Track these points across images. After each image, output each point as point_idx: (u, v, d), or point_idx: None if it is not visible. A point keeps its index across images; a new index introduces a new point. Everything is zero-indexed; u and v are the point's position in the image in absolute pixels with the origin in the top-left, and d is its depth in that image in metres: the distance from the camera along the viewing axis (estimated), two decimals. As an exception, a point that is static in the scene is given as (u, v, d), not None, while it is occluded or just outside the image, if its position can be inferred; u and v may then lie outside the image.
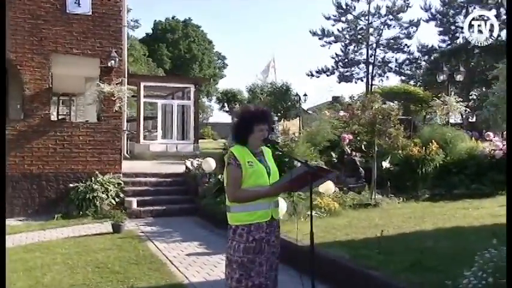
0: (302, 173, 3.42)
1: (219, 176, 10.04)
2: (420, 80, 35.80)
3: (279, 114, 29.02)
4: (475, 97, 31.83)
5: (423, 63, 38.08)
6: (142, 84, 19.08)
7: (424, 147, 10.32)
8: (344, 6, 37.69)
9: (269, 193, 3.48)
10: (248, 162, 3.47)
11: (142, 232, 8.94)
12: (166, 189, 11.82)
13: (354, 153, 10.59)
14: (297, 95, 29.58)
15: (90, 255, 7.03)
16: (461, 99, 12.50)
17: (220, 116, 67.25)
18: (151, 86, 20.77)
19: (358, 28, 37.56)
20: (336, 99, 38.55)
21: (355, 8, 37.85)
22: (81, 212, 10.33)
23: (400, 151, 10.27)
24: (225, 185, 3.66)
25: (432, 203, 9.25)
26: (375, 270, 4.72)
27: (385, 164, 10.00)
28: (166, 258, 6.97)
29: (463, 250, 5.28)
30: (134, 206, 10.74)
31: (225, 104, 42.94)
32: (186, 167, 12.36)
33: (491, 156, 9.95)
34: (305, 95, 32.15)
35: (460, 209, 8.37)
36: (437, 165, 10.09)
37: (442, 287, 4.00)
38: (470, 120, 26.15)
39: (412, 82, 35.10)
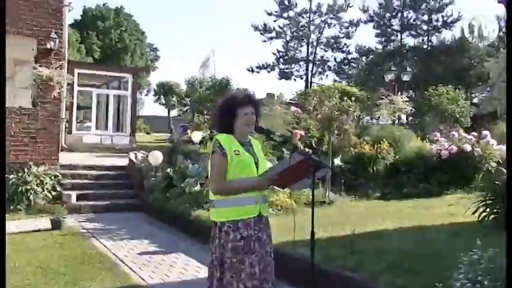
0: (299, 163, 3.10)
1: (169, 170, 9.56)
2: (357, 79, 36.69)
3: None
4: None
5: (361, 63, 39.06)
6: (76, 72, 18.06)
7: (374, 146, 10.38)
8: (286, 3, 37.86)
9: (256, 185, 3.17)
10: (234, 151, 3.16)
11: (85, 229, 8.30)
12: (108, 183, 11.15)
13: (306, 149, 10.46)
14: (237, 89, 29.40)
15: (29, 254, 6.35)
16: (407, 99, 12.85)
17: (153, 109, 65.78)
18: (85, 74, 19.67)
19: (299, 25, 37.84)
20: (271, 96, 38.87)
21: (296, 5, 38.18)
22: (12, 207, 9.43)
23: (351, 149, 10.27)
24: (208, 176, 3.34)
25: (384, 202, 9.31)
26: (353, 272, 4.53)
27: (337, 162, 9.95)
28: (117, 257, 6.45)
29: (434, 250, 5.24)
30: (73, 200, 9.99)
31: (162, 97, 41.93)
32: (130, 160, 11.73)
33: (438, 156, 10.17)
34: (245, 89, 32.10)
35: (412, 208, 8.47)
36: (388, 164, 10.19)
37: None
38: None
39: (344, 82, 35.85)
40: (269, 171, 3.20)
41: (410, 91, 30.41)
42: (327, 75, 39.09)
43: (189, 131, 12.14)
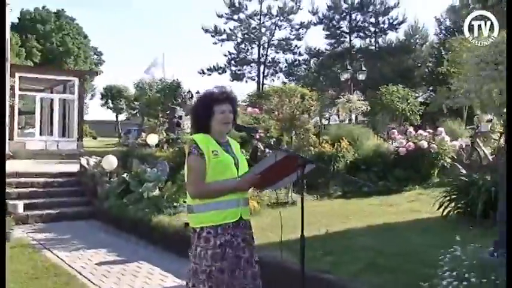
0: (284, 160, 2.89)
1: (125, 175, 9.12)
2: (306, 81, 37.07)
3: (168, 112, 28.17)
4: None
5: (311, 64, 39.50)
6: (17, 75, 17.18)
7: (333, 145, 10.36)
8: (236, 5, 37.70)
9: (238, 187, 2.96)
10: (212, 151, 2.93)
11: (35, 240, 7.76)
12: (58, 191, 10.53)
13: (266, 150, 10.30)
14: (189, 91, 28.98)
15: (-26, 270, 5.80)
16: (363, 98, 12.99)
17: (98, 113, 63.91)
18: (28, 78, 18.69)
19: (250, 27, 37.77)
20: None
21: (247, 7, 38.08)
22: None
23: (311, 148, 10.20)
24: (186, 179, 3.08)
25: (346, 200, 9.27)
26: (330, 273, 4.37)
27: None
28: (73, 269, 6.02)
29: (407, 248, 5.18)
30: (20, 210, 9.33)
31: (109, 101, 40.78)
32: (81, 166, 11.15)
33: (396, 153, 10.28)
34: (197, 92, 31.66)
35: (375, 206, 8.46)
36: (348, 162, 10.18)
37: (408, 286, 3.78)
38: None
39: (293, 83, 36.09)
40: (251, 171, 3.01)
41: (359, 92, 31.06)
42: (278, 77, 39.28)
43: (144, 134, 11.71)
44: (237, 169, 3.03)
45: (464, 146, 11.36)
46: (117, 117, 42.98)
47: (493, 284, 3.27)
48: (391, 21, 37.71)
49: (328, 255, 4.98)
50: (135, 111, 36.69)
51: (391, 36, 38.63)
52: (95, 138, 41.87)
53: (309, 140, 9.93)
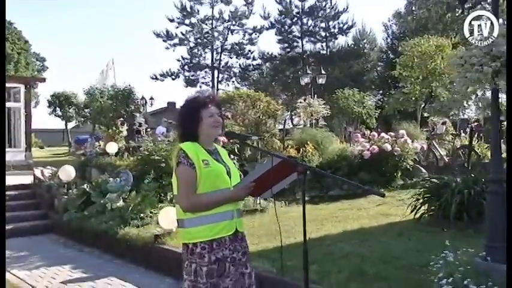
0: (279, 165, 2.74)
1: (85, 186, 8.68)
2: (258, 86, 37.17)
3: (121, 118, 27.45)
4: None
5: (265, 69, 39.63)
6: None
7: (298, 149, 10.29)
8: (188, 9, 37.25)
9: (234, 196, 2.81)
10: (203, 160, 2.75)
11: (-11, 259, 7.20)
12: (10, 205, 9.84)
13: (231, 156, 10.11)
14: (142, 98, 28.37)
15: None
16: (324, 102, 13.05)
17: (43, 122, 61.49)
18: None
19: (203, 32, 37.40)
20: (171, 104, 38.11)
21: (199, 11, 37.73)
22: None
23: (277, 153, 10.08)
24: (174, 192, 2.89)
25: (314, 206, 9.17)
26: (318, 284, 4.24)
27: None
28: (37, 290, 5.61)
29: (389, 253, 5.13)
30: (-31, 227, 8.69)
31: (57, 108, 39.24)
32: (35, 177, 10.56)
33: (361, 156, 10.33)
34: (151, 98, 31.02)
35: (345, 210, 8.43)
36: (314, 166, 10.13)
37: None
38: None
39: (245, 88, 36.12)
40: (246, 179, 2.86)
41: (315, 95, 31.44)
42: (233, 82, 39.11)
43: (101, 143, 11.23)
44: (230, 178, 2.88)
45: (422, 148, 11.59)
46: (66, 125, 41.47)
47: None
48: (340, 25, 38.48)
49: (310, 263, 4.83)
50: (84, 119, 35.54)
51: (341, 40, 39.44)
52: (42, 147, 40.18)
53: (273, 145, 9.81)
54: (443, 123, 14.88)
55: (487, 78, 3.25)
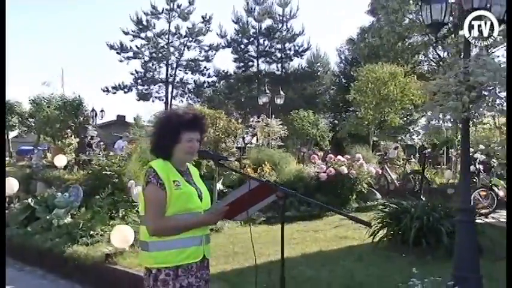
0: (257, 188, 2.72)
1: (30, 200, 8.16)
2: (210, 104, 37.05)
3: (69, 130, 26.57)
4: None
5: (220, 87, 39.54)
6: None
7: (256, 169, 10.18)
8: (144, 23, 36.75)
9: (206, 221, 2.71)
10: (173, 181, 2.61)
11: None
12: None
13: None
14: (93, 110, 27.63)
15: None
16: (281, 122, 13.06)
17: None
18: None
19: (158, 46, 36.91)
20: (121, 118, 37.29)
21: (155, 25, 37.28)
22: None
23: (233, 172, 9.91)
24: (140, 212, 2.74)
25: (270, 226, 9.02)
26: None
27: (219, 186, 9.51)
28: (-28, 314, 5.11)
29: (353, 279, 5.05)
30: None
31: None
32: (-26, 189, 9.84)
33: (317, 178, 10.33)
34: (102, 110, 30.20)
35: (302, 232, 8.35)
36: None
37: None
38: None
39: (198, 104, 35.88)
40: (219, 203, 2.76)
41: (272, 115, 31.69)
42: (187, 98, 38.70)
43: (49, 154, 10.69)
44: (201, 201, 2.74)
45: (378, 172, 11.77)
46: (7, 135, 39.57)
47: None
48: (296, 48, 39.06)
49: (273, 288, 4.68)
50: (28, 129, 34.11)
51: (296, 62, 40.03)
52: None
53: (230, 164, 9.63)
54: (395, 148, 15.26)
55: (465, 107, 3.26)
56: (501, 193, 10.37)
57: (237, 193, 2.78)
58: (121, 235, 6.32)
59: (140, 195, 2.71)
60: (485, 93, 3.32)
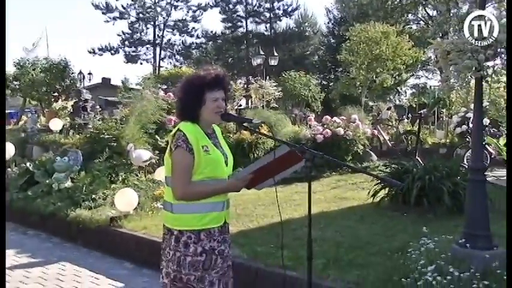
0: (285, 155, 2.65)
1: (28, 164, 8.10)
2: (200, 66, 36.58)
3: (55, 93, 26.09)
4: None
5: (208, 47, 38.98)
6: None
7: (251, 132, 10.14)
8: (129, -18, 35.78)
9: (231, 187, 2.69)
10: (203, 146, 2.58)
11: None
12: None
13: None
14: (80, 72, 27.11)
15: None
16: (276, 84, 12.96)
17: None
18: None
19: (145, 6, 35.99)
20: (106, 80, 36.63)
21: (141, -16, 36.25)
22: None
23: (230, 135, 9.90)
24: (165, 174, 2.72)
25: (269, 188, 9.10)
26: (294, 270, 4.17)
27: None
28: (-19, 278, 5.15)
29: (358, 238, 5.16)
30: None
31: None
32: (-32, 154, 9.73)
33: (313, 140, 10.35)
34: (90, 73, 29.68)
35: (302, 193, 8.39)
36: (269, 148, 10.05)
37: (387, 283, 3.70)
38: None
39: (184, 66, 35.33)
40: (244, 171, 2.74)
41: (266, 77, 31.38)
42: (176, 60, 38.12)
43: (42, 118, 10.55)
44: (226, 166, 2.74)
45: (373, 133, 11.84)
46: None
47: (473, 276, 3.29)
48: (285, 7, 38.47)
49: (281, 249, 4.77)
50: (13, 92, 33.48)
51: (284, 23, 39.48)
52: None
53: (227, 126, 9.59)
54: (389, 108, 15.30)
55: (481, 66, 3.26)
56: (493, 152, 10.55)
57: (262, 161, 2.73)
58: (125, 198, 6.35)
59: (166, 157, 2.67)
60: (502, 50, 3.30)
